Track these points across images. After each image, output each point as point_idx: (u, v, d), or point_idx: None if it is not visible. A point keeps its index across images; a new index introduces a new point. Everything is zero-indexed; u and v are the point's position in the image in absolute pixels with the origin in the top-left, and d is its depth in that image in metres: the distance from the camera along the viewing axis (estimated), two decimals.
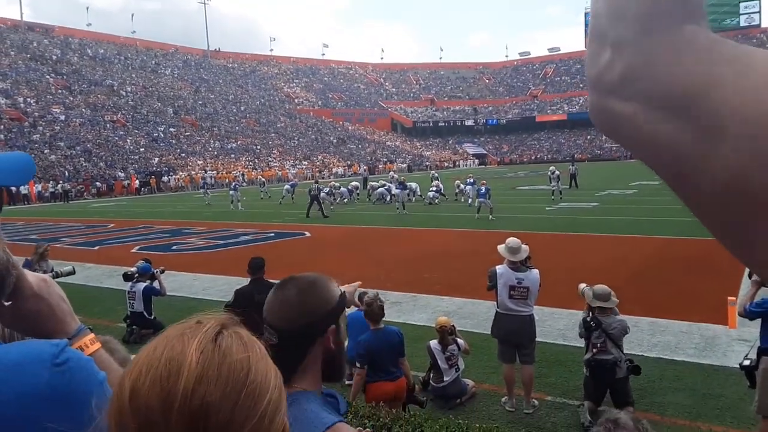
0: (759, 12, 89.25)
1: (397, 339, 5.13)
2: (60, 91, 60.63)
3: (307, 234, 18.38)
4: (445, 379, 5.91)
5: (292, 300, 1.41)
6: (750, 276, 4.88)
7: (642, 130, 0.41)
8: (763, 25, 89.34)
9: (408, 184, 26.67)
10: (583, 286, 5.67)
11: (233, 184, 31.09)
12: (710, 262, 11.55)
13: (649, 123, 0.40)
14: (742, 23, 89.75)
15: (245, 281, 6.53)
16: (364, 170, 52.37)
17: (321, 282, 1.46)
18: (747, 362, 4.75)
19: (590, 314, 5.46)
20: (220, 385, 0.66)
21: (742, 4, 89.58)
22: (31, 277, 1.07)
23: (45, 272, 6.20)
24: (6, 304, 1.04)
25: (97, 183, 45.15)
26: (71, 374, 0.88)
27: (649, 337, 7.31)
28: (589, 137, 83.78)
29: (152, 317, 8.49)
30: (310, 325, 1.40)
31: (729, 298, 7.55)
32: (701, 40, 0.40)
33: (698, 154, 0.37)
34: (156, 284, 8.52)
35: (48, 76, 62.53)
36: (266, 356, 0.75)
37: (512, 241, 5.89)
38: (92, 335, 1.11)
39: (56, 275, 5.18)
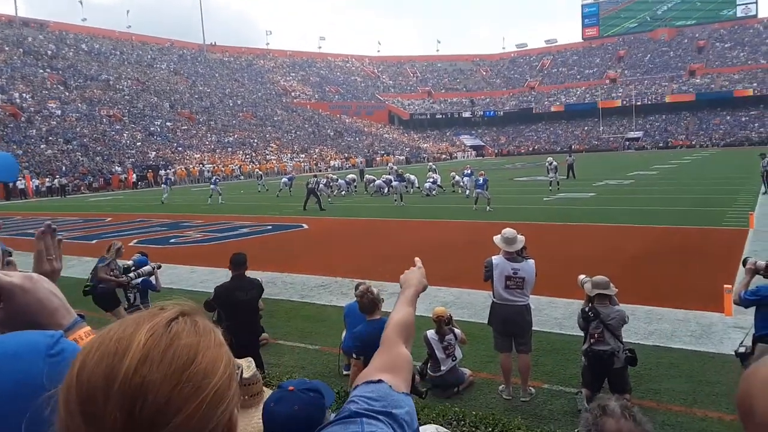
0: (756, 2, 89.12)
1: None
2: (56, 86, 60.38)
3: (305, 226, 18.40)
4: (442, 368, 5.94)
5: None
6: (744, 264, 4.89)
7: None
8: (760, 16, 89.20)
9: (406, 175, 26.65)
10: (582, 277, 5.69)
11: (213, 178, 30.80)
12: (706, 250, 11.61)
13: None
14: (739, 14, 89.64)
15: None
16: (361, 162, 52.31)
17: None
18: (742, 349, 4.79)
19: (589, 305, 5.48)
20: (162, 367, 0.67)
21: None
22: (15, 276, 1.09)
23: (112, 270, 6.43)
24: None
25: (92, 177, 45.02)
26: (66, 365, 0.86)
27: (645, 325, 7.35)
28: (586, 128, 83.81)
29: None
30: None
31: (725, 286, 7.58)
32: None
33: None
34: (153, 279, 8.50)
35: (43, 71, 62.25)
36: (221, 345, 0.76)
37: (508, 231, 5.91)
38: (88, 328, 1.11)
39: (138, 275, 5.59)
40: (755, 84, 74.62)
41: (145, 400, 0.66)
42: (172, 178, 37.95)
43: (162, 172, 47.50)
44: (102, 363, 0.68)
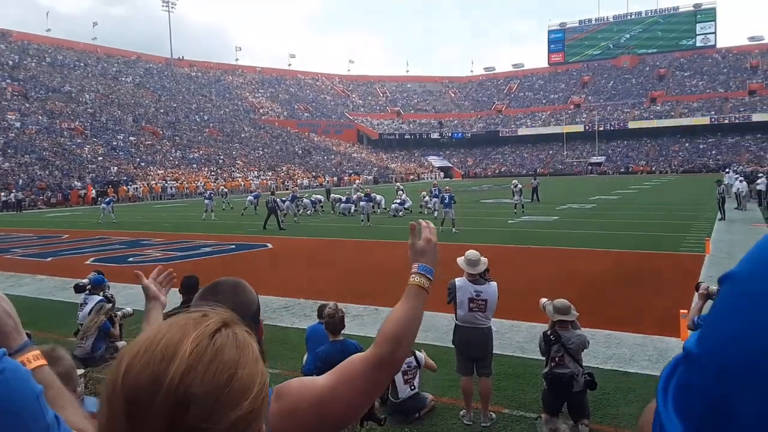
0: (714, 33, 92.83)
1: (355, 352, 5.06)
2: (16, 97, 58.90)
3: (270, 246, 18.18)
4: (399, 395, 5.83)
5: (232, 301, 1.48)
6: (697, 289, 4.98)
7: None
8: (718, 46, 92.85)
9: (373, 195, 26.64)
10: (544, 300, 5.71)
11: (208, 192, 30.41)
12: (664, 275, 11.85)
13: None
14: (698, 44, 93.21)
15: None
16: (328, 182, 52.16)
17: (243, 283, 1.60)
18: None
19: (551, 329, 5.49)
20: (206, 380, 0.70)
21: (698, 25, 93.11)
22: None
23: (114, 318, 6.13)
24: None
25: (50, 192, 43.76)
26: (6, 384, 0.86)
27: (604, 349, 7.41)
28: (551, 152, 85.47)
29: None
30: (253, 319, 1.52)
31: (681, 311, 7.70)
32: None
33: None
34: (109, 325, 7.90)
35: (3, 82, 60.71)
36: (257, 360, 0.77)
37: (471, 253, 5.91)
38: (37, 351, 1.09)
39: (123, 315, 6.66)
40: (713, 112, 77.38)
41: (187, 411, 0.68)
42: (114, 197, 36.79)
43: (127, 187, 46.65)
44: (148, 368, 0.70)
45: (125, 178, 50.32)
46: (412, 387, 5.86)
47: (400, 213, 26.77)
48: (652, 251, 14.84)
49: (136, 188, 48.53)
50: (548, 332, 5.47)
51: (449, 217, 20.10)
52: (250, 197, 32.05)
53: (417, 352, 6.10)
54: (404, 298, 1.56)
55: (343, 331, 5.28)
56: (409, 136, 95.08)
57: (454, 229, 19.65)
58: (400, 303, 1.54)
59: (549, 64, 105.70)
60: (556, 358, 5.32)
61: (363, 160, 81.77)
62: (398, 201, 27.25)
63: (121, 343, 7.80)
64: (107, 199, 30.15)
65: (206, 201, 28.42)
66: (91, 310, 7.68)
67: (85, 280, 8.27)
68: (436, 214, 24.08)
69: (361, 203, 24.26)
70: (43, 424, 0.88)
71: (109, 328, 7.61)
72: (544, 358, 5.56)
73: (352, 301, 9.99)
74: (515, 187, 26.69)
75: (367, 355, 1.42)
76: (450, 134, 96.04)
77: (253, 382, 0.74)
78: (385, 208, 28.30)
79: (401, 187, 32.08)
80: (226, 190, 40.12)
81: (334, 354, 4.99)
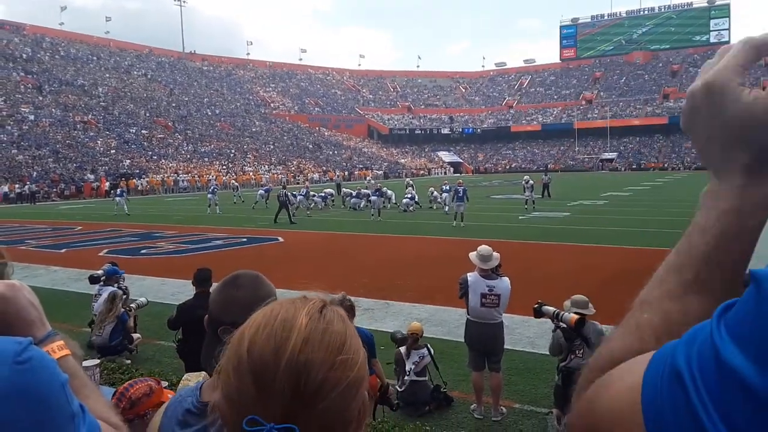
0: (728, 29, 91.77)
1: (366, 339, 5.09)
2: (30, 90, 59.37)
3: (280, 239, 18.25)
4: (405, 378, 5.88)
5: (253, 294, 1.51)
6: None
7: None
8: (732, 42, 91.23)
9: (384, 190, 26.64)
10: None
11: (212, 187, 30.73)
12: None
13: None
14: (712, 40, 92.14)
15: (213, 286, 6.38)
16: (339, 176, 52.21)
17: (261, 276, 1.64)
18: None
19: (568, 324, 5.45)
20: (321, 348, 0.78)
21: (712, 21, 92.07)
22: None
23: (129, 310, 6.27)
24: None
25: (63, 184, 44.11)
26: (33, 372, 0.86)
27: None
28: (562, 148, 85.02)
29: None
30: None
31: None
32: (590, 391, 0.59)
33: None
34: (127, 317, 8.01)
35: (17, 75, 61.20)
36: (357, 335, 0.85)
37: (483, 248, 5.91)
38: (61, 342, 1.09)
39: (138, 306, 7.03)
40: None
41: (308, 377, 0.76)
42: (125, 188, 36.72)
43: (136, 181, 46.93)
44: (270, 341, 0.78)
45: (138, 171, 50.66)
46: (419, 372, 5.92)
47: (411, 208, 26.76)
48: (665, 248, 14.72)
49: (149, 181, 48.81)
50: (564, 327, 5.43)
51: (460, 211, 20.07)
52: (261, 191, 32.17)
53: (428, 346, 6.14)
54: None
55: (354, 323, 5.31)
56: (420, 132, 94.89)
57: (462, 223, 19.64)
58: None
59: (561, 59, 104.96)
60: (577, 352, 5.29)
61: (373, 155, 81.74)
62: (409, 196, 27.22)
63: (136, 335, 7.89)
64: (119, 191, 30.49)
65: (209, 195, 28.92)
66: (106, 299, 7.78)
67: (100, 272, 8.37)
68: (447, 209, 24.06)
69: (372, 198, 24.25)
70: (69, 413, 0.88)
71: (126, 319, 7.70)
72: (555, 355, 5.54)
73: (364, 294, 10.03)
74: (526, 182, 26.55)
75: None
76: (460, 129, 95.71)
77: (358, 352, 0.82)
78: (396, 203, 28.30)
79: (411, 182, 32.02)
80: (237, 183, 40.22)
81: None
